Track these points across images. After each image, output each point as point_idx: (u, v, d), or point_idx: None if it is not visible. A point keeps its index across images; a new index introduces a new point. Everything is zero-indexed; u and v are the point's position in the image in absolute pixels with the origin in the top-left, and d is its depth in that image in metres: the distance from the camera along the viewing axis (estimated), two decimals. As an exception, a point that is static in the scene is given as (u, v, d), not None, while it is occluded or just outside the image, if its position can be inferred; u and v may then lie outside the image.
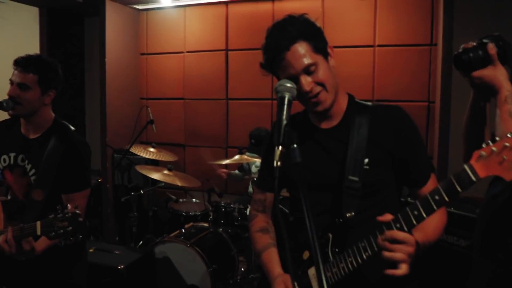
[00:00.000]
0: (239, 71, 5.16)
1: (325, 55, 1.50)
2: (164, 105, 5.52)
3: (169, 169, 3.91)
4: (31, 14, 5.20)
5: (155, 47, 5.59)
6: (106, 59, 4.99)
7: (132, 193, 3.96)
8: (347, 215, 1.43)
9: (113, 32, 5.06)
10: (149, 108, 4.19)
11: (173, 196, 4.34)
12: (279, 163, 1.18)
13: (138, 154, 4.18)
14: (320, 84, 1.45)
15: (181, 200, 4.55)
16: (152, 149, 4.33)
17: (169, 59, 5.52)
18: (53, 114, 2.18)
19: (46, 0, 5.06)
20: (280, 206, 1.75)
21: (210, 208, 3.90)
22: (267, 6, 4.95)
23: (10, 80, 2.03)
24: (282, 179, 1.21)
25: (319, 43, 1.47)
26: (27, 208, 1.99)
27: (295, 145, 1.19)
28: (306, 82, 1.43)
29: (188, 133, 5.47)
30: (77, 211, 1.63)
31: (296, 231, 1.59)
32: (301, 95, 1.45)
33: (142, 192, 3.99)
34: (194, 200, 4.61)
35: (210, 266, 3.44)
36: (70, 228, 1.63)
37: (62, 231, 1.63)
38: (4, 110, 1.99)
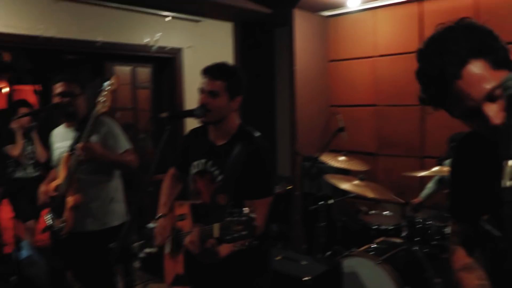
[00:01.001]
0: (437, 73, 4.66)
1: (510, 67, 1.10)
2: (354, 112, 5.32)
3: (361, 179, 3.68)
4: (226, 30, 5.54)
5: (344, 53, 5.44)
6: (295, 67, 5.03)
7: (321, 202, 3.85)
8: None
9: (302, 40, 5.08)
10: (340, 115, 4.05)
11: (363, 208, 4.10)
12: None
13: (327, 162, 4.06)
14: None
15: (371, 212, 4.27)
16: (342, 158, 4.16)
17: (358, 64, 5.31)
18: (238, 121, 2.19)
19: (240, 15, 5.34)
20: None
21: (404, 223, 3.55)
22: (467, 0, 4.39)
23: (200, 89, 2.09)
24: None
25: (498, 54, 1.09)
26: (211, 212, 2.00)
27: None
28: (493, 113, 1.07)
29: (380, 141, 5.17)
30: (253, 216, 1.57)
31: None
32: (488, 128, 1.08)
33: (331, 201, 3.85)
34: (385, 212, 4.29)
35: (403, 288, 3.11)
36: (245, 232, 1.59)
37: (237, 235, 1.60)
38: (197, 117, 2.05)
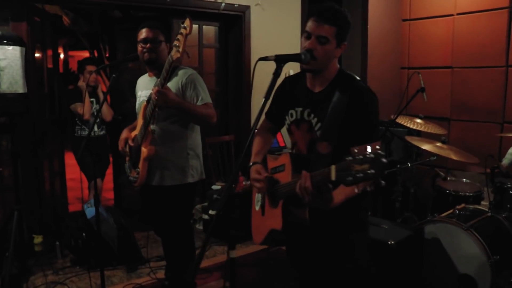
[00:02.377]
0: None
1: None
2: (427, 75, 5.00)
3: (443, 142, 3.48)
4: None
5: (419, 12, 5.13)
6: (368, 26, 4.79)
7: (398, 166, 3.68)
8: None
9: (376, -1, 4.82)
10: (420, 75, 3.82)
11: (441, 173, 3.90)
12: None
13: (404, 125, 3.86)
14: None
15: (449, 178, 4.07)
16: (419, 120, 3.96)
17: (435, 24, 5.00)
18: (338, 65, 2.04)
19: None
20: None
21: (492, 189, 3.34)
22: None
23: (307, 32, 1.93)
24: None
25: None
26: (312, 162, 1.89)
27: None
28: None
29: (455, 106, 4.90)
30: (380, 152, 1.39)
31: None
32: None
33: (409, 165, 3.67)
34: (464, 180, 4.07)
35: (491, 257, 2.93)
36: (372, 171, 1.36)
37: (361, 174, 1.38)
38: (302, 62, 1.90)
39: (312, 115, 2.01)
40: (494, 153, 4.29)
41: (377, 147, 1.40)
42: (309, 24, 1.92)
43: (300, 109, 2.07)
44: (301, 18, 5.36)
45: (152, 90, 2.60)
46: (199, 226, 4.88)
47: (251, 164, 2.12)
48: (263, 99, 1.74)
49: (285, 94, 2.18)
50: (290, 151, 2.15)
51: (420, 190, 4.55)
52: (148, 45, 2.78)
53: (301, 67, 1.98)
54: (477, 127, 4.74)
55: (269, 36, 5.04)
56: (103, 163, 4.80)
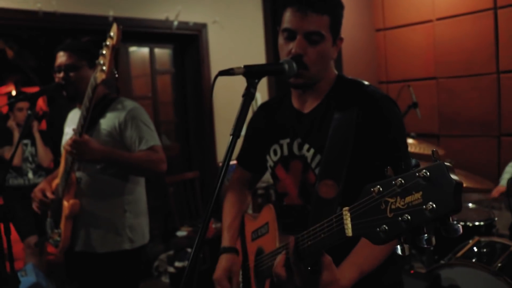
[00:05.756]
0: (514, 34, 3.90)
1: None
2: (409, 90, 4.55)
3: (448, 165, 2.93)
4: (254, 1, 4.79)
5: (394, 20, 4.67)
6: (341, 39, 4.27)
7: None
8: None
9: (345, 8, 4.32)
10: (411, 88, 3.29)
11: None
12: None
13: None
14: None
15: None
16: (410, 141, 3.42)
17: (413, 31, 4.54)
18: (335, 71, 1.42)
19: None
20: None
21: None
22: None
23: (287, 30, 1.31)
24: None
25: None
26: (312, 215, 1.26)
27: None
28: None
29: (444, 121, 4.40)
30: (443, 162, 0.72)
31: None
32: None
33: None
34: (470, 205, 3.52)
35: (528, 305, 2.36)
36: (432, 204, 0.68)
37: (408, 216, 0.71)
38: (285, 75, 1.26)
39: (306, 146, 1.37)
40: (492, 171, 3.81)
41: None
42: (289, 18, 1.31)
43: (287, 140, 1.43)
44: (265, 34, 4.81)
45: (67, 141, 1.94)
46: (165, 279, 4.21)
47: (222, 248, 1.47)
48: (230, 137, 1.09)
49: (263, 126, 1.55)
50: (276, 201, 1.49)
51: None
52: (62, 73, 2.10)
53: (290, 83, 1.35)
54: (470, 143, 4.25)
55: (230, 56, 4.47)
56: (41, 216, 4.03)
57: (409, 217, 0.73)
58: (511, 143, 3.98)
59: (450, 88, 4.31)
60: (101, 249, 2.15)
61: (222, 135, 4.48)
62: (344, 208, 0.89)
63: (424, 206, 0.71)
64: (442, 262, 2.71)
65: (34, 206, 2.24)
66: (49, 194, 2.20)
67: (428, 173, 0.71)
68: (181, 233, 4.15)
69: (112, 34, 1.75)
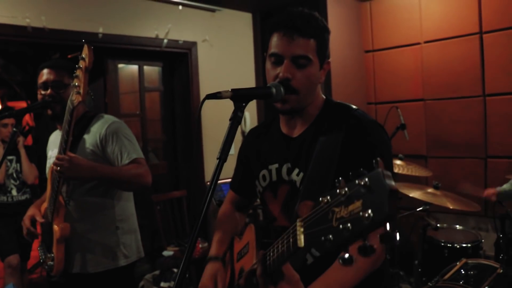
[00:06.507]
0: (500, 58, 3.94)
1: None
2: (397, 111, 4.58)
3: (436, 187, 2.93)
4: (245, 21, 4.83)
5: (383, 42, 4.71)
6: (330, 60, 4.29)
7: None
8: None
9: (334, 28, 4.35)
10: (399, 110, 3.30)
11: (432, 222, 3.33)
12: None
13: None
14: None
15: (438, 225, 3.50)
16: (398, 162, 3.42)
17: (401, 53, 4.58)
18: (323, 96, 1.43)
19: (259, 5, 4.63)
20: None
21: (501, 240, 2.80)
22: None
23: (274, 54, 1.31)
24: None
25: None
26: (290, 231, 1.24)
27: None
28: None
29: (431, 142, 4.42)
30: (382, 170, 0.71)
31: None
32: None
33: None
34: (457, 226, 3.52)
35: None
36: (369, 213, 0.68)
37: (349, 225, 0.71)
38: (273, 100, 1.26)
39: (296, 171, 1.36)
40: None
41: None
42: (276, 43, 1.31)
43: (276, 166, 1.43)
44: (254, 53, 4.84)
45: (55, 159, 1.91)
46: (150, 302, 4.11)
47: (208, 257, 1.45)
48: (217, 160, 1.08)
49: (252, 152, 1.55)
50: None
51: (405, 242, 3.97)
52: (49, 90, 2.08)
53: (278, 108, 1.35)
54: (457, 164, 4.26)
55: (219, 75, 4.47)
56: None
57: (350, 226, 0.73)
58: (497, 165, 4.00)
59: (438, 110, 4.34)
60: (96, 269, 2.12)
61: (210, 154, 4.45)
62: (298, 219, 0.88)
63: (361, 214, 0.70)
64: (429, 284, 2.69)
65: (24, 234, 2.21)
66: (39, 219, 2.17)
67: (368, 181, 0.71)
68: (168, 253, 4.08)
69: (84, 55, 1.76)
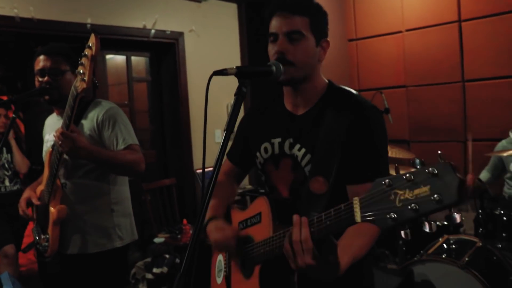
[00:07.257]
0: (478, 45, 4.09)
1: None
2: (380, 96, 4.71)
3: (421, 164, 3.05)
4: (230, 11, 4.90)
5: (366, 30, 4.84)
6: (314, 48, 4.40)
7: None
8: None
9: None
10: (383, 95, 3.42)
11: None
12: None
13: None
14: None
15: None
16: (383, 145, 3.53)
17: (384, 42, 4.71)
18: (325, 80, 1.52)
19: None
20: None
21: (480, 216, 2.94)
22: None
23: (272, 34, 1.42)
24: None
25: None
26: (301, 209, 1.34)
27: None
28: None
29: (413, 127, 4.56)
30: (447, 162, 0.87)
31: None
32: None
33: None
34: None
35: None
36: (437, 196, 0.86)
37: (416, 206, 0.86)
38: (273, 77, 1.36)
39: (297, 146, 1.46)
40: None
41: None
42: (273, 24, 1.43)
43: (278, 140, 1.52)
44: (240, 43, 4.91)
45: (55, 132, 1.96)
46: (143, 286, 4.17)
47: (207, 220, 1.53)
48: (224, 132, 1.18)
49: (254, 125, 1.64)
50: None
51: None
52: (46, 77, 2.12)
53: (277, 81, 1.43)
54: (438, 148, 4.39)
55: (207, 64, 4.54)
56: (17, 224, 3.97)
57: (417, 206, 0.86)
58: (476, 147, 4.15)
59: (419, 96, 4.48)
60: (93, 250, 2.18)
61: (199, 142, 4.52)
62: (354, 198, 1.00)
63: (431, 197, 0.84)
64: (415, 259, 2.83)
65: (21, 213, 2.27)
66: (34, 201, 2.23)
67: (435, 171, 0.85)
68: (159, 239, 4.14)
69: (90, 44, 1.82)
